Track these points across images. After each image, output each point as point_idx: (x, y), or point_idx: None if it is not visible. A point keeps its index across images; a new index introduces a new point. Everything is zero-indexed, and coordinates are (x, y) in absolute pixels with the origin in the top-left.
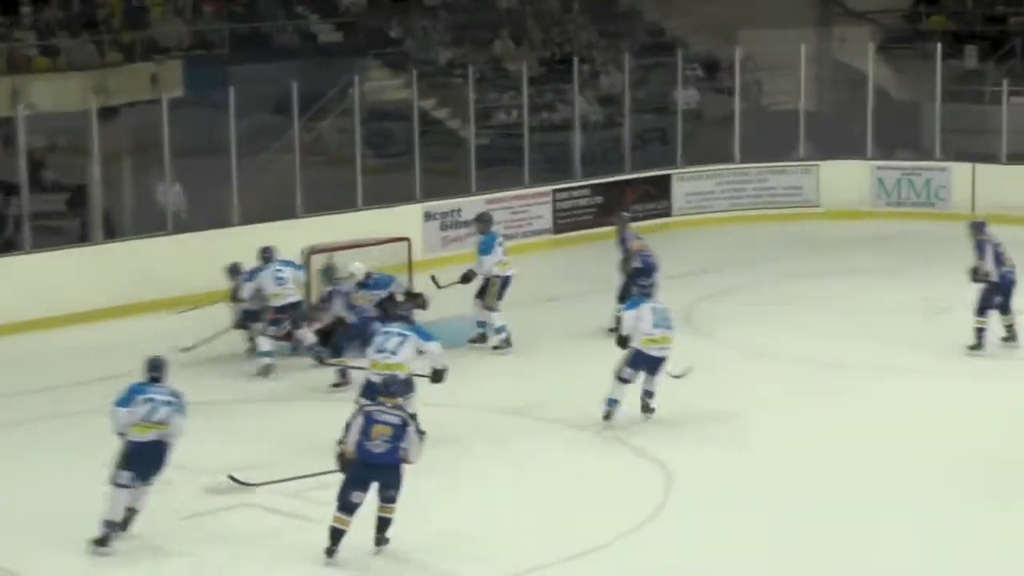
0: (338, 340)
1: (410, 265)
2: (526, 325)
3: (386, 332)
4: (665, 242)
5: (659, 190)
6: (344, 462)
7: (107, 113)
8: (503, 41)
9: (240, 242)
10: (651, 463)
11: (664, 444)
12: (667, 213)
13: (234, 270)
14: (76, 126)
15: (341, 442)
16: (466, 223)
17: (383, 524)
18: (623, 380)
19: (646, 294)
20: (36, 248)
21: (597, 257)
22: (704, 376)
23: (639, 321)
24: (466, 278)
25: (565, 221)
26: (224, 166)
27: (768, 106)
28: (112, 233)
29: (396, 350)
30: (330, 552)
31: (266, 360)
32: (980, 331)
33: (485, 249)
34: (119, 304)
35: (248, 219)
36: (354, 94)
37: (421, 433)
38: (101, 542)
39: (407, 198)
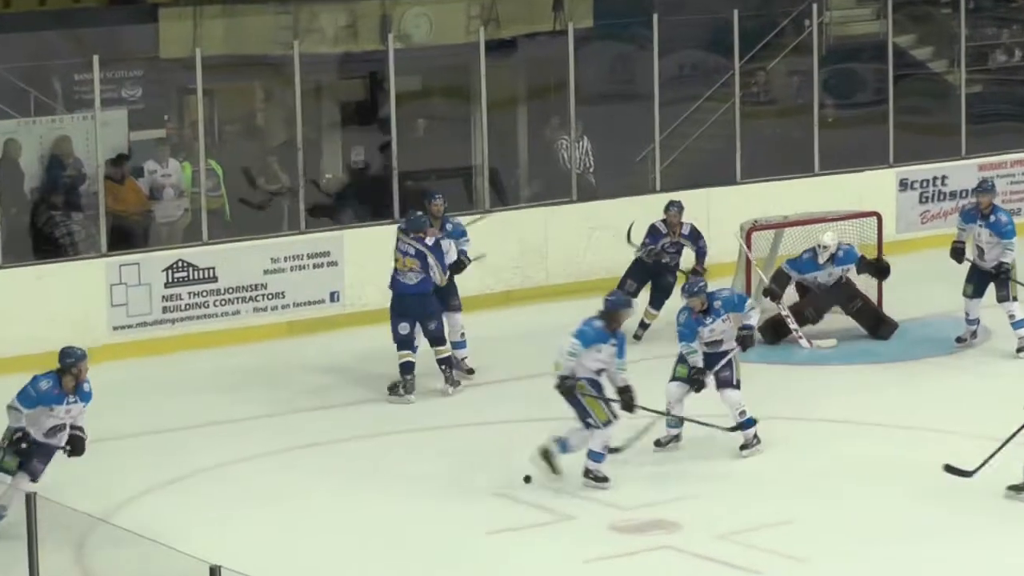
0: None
1: (880, 247)
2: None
3: None
4: None
5: None
6: None
7: (497, 47)
8: None
9: (660, 213)
10: None
11: None
12: None
13: None
14: (457, 63)
15: None
16: (954, 195)
17: None
18: None
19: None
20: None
21: None
22: None
23: None
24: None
25: None
26: (644, 117)
27: None
28: (501, 199)
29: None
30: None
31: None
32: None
33: (1009, 231)
34: (502, 290)
35: (671, 184)
36: (812, 26)
37: None
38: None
39: (877, 161)
